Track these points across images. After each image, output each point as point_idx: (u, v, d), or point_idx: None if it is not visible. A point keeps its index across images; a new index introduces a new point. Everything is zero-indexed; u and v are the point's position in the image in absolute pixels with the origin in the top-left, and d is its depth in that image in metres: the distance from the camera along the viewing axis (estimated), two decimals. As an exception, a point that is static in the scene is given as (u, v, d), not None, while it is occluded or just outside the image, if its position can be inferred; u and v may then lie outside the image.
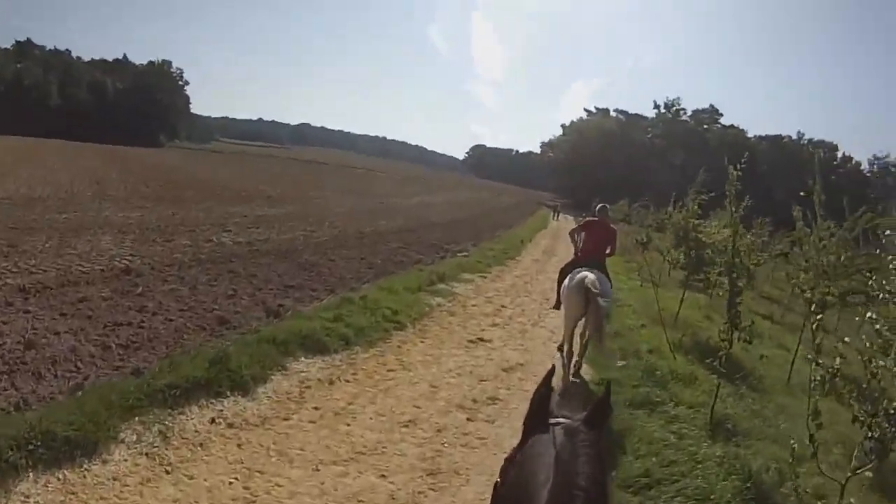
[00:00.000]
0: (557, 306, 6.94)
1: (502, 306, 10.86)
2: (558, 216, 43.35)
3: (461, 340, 8.18)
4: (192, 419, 4.30)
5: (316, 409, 4.93)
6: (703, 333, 9.40)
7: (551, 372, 1.27)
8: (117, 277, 8.67)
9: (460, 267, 14.01)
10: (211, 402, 4.59)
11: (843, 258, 7.26)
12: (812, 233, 6.66)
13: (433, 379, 6.19)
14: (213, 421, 4.37)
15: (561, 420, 1.14)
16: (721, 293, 6.88)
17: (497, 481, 1.23)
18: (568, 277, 6.35)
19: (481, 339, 8.34)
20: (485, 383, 6.25)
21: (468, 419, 5.20)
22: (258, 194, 30.09)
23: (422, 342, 7.76)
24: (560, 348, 6.84)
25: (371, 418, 4.91)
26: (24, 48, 62.93)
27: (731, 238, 5.96)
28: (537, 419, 1.17)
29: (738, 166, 5.52)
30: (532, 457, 1.10)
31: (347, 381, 5.69)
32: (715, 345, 5.97)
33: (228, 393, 4.76)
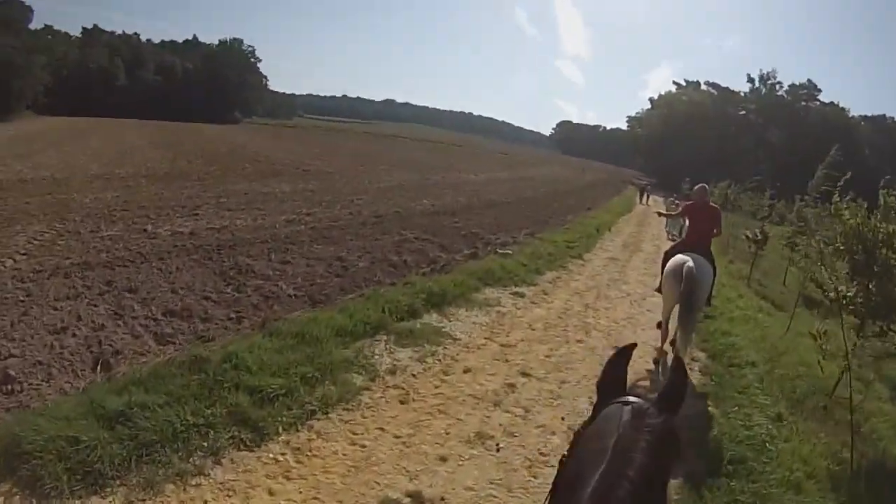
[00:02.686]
0: (660, 289, 6.67)
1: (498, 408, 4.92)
2: (647, 198, 34.29)
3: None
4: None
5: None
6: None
7: (626, 348, 1.29)
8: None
9: (486, 276, 8.91)
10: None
11: None
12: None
13: None
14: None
15: (632, 399, 1.12)
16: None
17: (563, 454, 1.22)
18: (670, 262, 6.15)
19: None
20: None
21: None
22: (293, 168, 26.58)
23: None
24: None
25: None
26: (92, 34, 64.24)
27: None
28: (608, 389, 1.19)
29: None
30: (596, 434, 1.10)
31: None
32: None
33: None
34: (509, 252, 10.86)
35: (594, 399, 1.21)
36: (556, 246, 12.74)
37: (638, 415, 1.07)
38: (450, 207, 18.34)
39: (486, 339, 6.49)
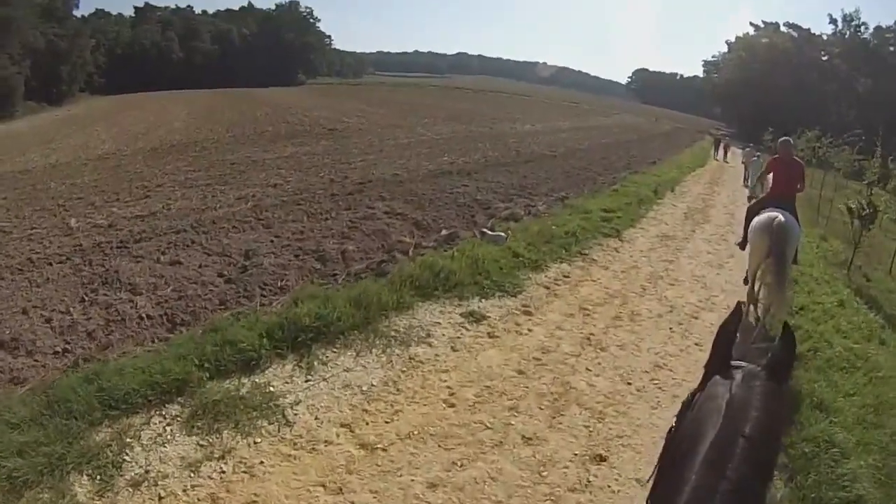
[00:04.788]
0: (743, 246, 6.46)
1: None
2: (725, 152, 27.22)
3: None
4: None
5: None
6: None
7: (737, 311, 1.27)
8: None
9: (439, 280, 5.80)
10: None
11: None
12: None
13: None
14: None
15: (742, 365, 1.13)
16: None
17: (671, 426, 1.22)
18: (756, 218, 5.75)
19: None
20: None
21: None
22: (320, 127, 24.39)
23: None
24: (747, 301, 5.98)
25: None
26: (144, 12, 64.20)
27: None
28: (719, 359, 1.18)
29: None
30: (706, 400, 1.10)
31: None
32: None
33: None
34: (502, 235, 7.52)
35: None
36: (586, 218, 9.17)
37: (750, 378, 1.09)
38: (471, 165, 15.07)
39: (343, 427, 3.51)
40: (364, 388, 3.93)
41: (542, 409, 3.85)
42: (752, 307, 5.80)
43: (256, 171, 13.37)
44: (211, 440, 3.31)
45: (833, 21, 76.95)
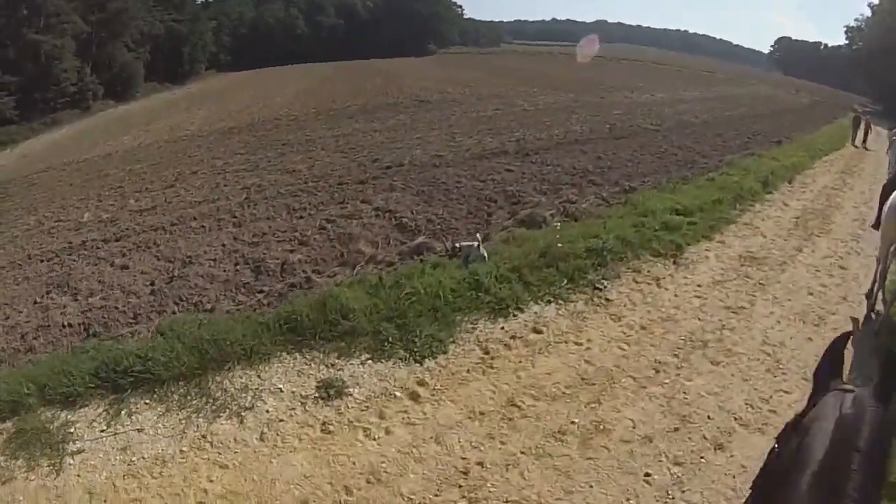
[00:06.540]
0: (877, 226, 5.77)
1: None
2: (865, 135, 19.09)
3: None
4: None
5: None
6: None
7: (845, 335, 1.29)
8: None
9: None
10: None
11: None
12: None
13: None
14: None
15: (850, 387, 1.12)
16: None
17: (774, 447, 1.20)
18: (892, 197, 5.26)
19: None
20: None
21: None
22: (413, 99, 22.82)
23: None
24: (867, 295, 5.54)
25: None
26: None
27: None
28: (826, 377, 1.18)
29: None
30: (814, 421, 1.08)
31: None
32: None
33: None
34: (476, 248, 5.45)
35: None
36: (640, 223, 6.66)
37: (858, 403, 1.07)
38: (541, 142, 12.73)
39: (89, 494, 2.99)
40: (134, 459, 3.22)
41: None
42: (878, 294, 5.23)
43: (297, 153, 12.68)
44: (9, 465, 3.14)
45: None
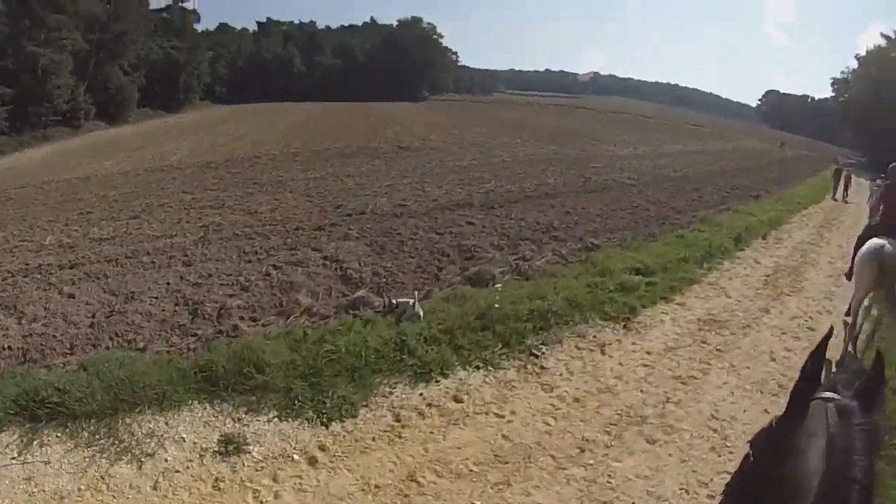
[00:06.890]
0: (849, 276, 5.94)
1: None
2: (846, 188, 19.34)
3: None
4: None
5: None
6: None
7: (828, 336, 1.22)
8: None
9: None
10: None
11: None
12: None
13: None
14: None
15: (832, 396, 1.09)
16: None
17: (748, 452, 1.16)
18: (865, 246, 5.46)
19: None
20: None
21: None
22: (394, 147, 22.94)
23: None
24: (845, 321, 5.76)
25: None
26: (266, 27, 66.46)
27: None
28: (806, 387, 1.14)
29: None
30: (800, 434, 1.04)
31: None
32: None
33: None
34: (411, 305, 5.34)
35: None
36: (595, 283, 6.51)
37: (845, 414, 1.03)
38: (511, 195, 12.99)
39: None
40: (36, 491, 3.24)
41: None
42: (850, 344, 5.30)
43: (265, 193, 12.66)
44: None
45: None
